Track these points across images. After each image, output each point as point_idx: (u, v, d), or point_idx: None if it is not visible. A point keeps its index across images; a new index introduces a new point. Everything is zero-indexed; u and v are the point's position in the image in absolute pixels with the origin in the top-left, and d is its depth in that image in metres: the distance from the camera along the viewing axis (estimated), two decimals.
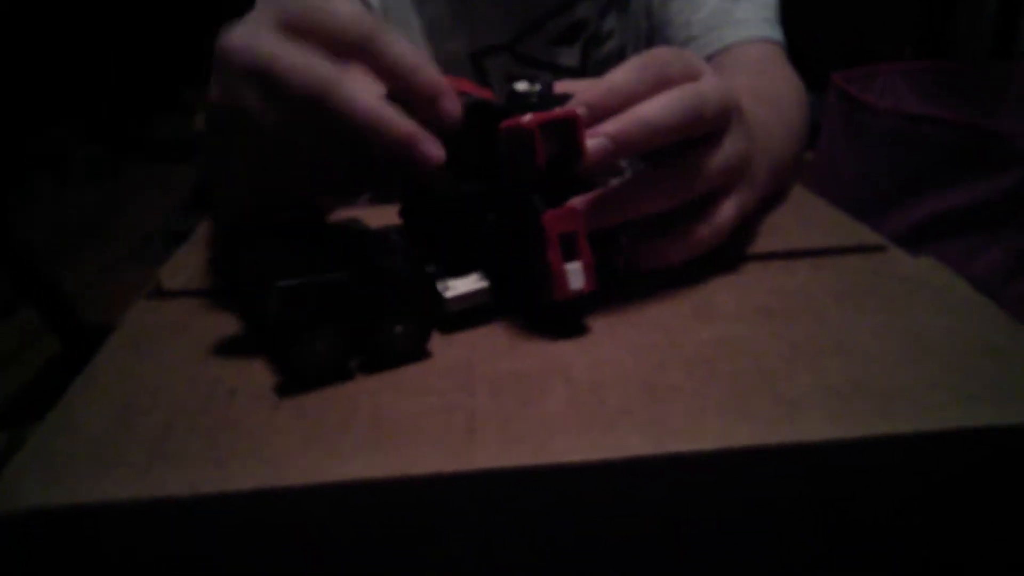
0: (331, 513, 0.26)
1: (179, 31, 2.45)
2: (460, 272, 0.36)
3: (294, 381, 0.31)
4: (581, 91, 0.35)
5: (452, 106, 0.33)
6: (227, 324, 0.37)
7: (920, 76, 1.20)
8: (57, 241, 2.22)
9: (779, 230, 0.45)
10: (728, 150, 0.38)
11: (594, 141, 0.34)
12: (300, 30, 0.33)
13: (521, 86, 0.36)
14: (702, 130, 0.37)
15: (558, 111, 0.34)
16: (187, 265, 0.44)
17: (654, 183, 0.37)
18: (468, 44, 0.74)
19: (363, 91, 0.32)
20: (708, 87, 0.37)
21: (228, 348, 0.35)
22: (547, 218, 0.33)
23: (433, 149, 0.32)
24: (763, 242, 0.43)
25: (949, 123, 0.94)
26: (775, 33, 0.70)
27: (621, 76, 0.36)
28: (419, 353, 0.33)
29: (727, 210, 0.39)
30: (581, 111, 0.34)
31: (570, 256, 0.33)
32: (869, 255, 0.41)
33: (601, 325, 0.35)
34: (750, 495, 0.27)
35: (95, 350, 0.36)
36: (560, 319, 0.35)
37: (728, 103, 0.38)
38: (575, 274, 0.33)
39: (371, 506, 0.26)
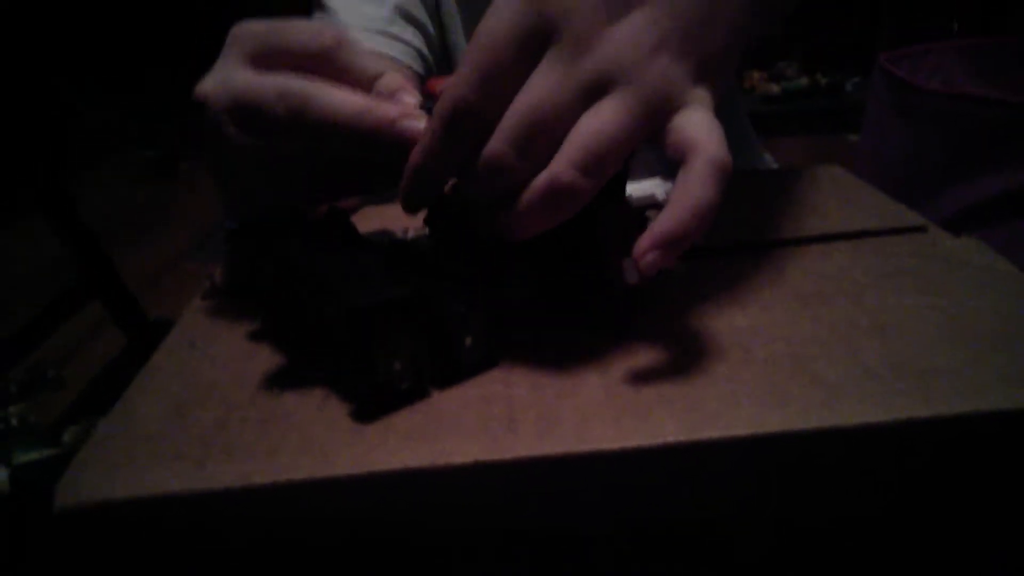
0: (378, 502, 0.27)
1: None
2: (496, 278, 0.35)
3: (377, 402, 0.30)
4: None
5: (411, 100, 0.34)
6: (275, 324, 0.38)
7: (971, 54, 1.17)
8: (116, 237, 2.29)
9: (818, 213, 0.44)
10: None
11: None
12: (265, 58, 0.34)
13: None
14: None
15: None
16: (239, 265, 0.45)
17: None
18: None
19: (339, 91, 0.32)
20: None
21: (277, 344, 0.36)
22: (604, 214, 0.33)
23: (420, 123, 0.32)
24: (801, 226, 0.43)
25: (1001, 102, 0.91)
26: None
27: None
28: (492, 361, 0.33)
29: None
30: None
31: (626, 249, 0.34)
32: (909, 236, 0.41)
33: (635, 321, 0.35)
34: (786, 481, 0.28)
35: (157, 344, 0.37)
36: (614, 311, 0.35)
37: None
38: (630, 268, 0.33)
39: (416, 494, 0.27)
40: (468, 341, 0.32)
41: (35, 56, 2.62)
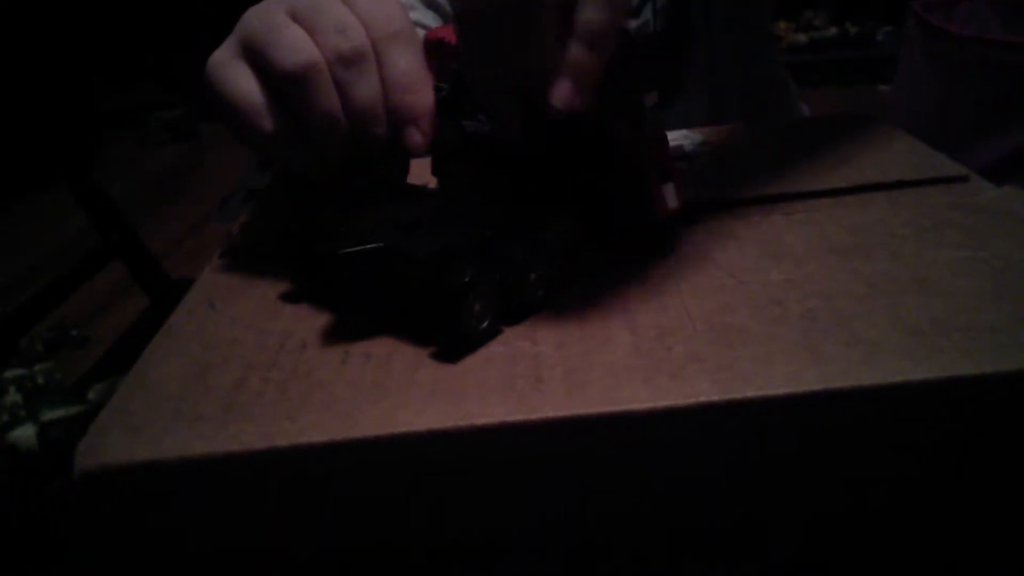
0: (402, 463, 0.27)
1: None
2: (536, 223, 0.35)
3: (461, 343, 0.31)
4: None
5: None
6: (295, 280, 0.38)
7: (1006, 2, 1.13)
8: (139, 200, 2.30)
9: (853, 163, 0.43)
10: None
11: None
12: (259, 65, 0.35)
13: None
14: None
15: None
16: (257, 223, 0.45)
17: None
18: None
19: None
20: None
21: (297, 302, 0.35)
22: (641, 143, 0.33)
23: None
24: (836, 176, 0.41)
25: None
26: None
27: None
28: (552, 300, 0.33)
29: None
30: None
31: (663, 176, 0.34)
32: (950, 186, 0.39)
33: (664, 268, 0.34)
34: (823, 443, 0.27)
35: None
36: (654, 241, 0.36)
37: None
38: (670, 194, 0.35)
39: (440, 455, 0.26)
40: (533, 277, 0.32)
41: (55, 31, 2.61)
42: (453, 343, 0.31)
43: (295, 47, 0.34)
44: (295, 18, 0.35)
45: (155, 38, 2.94)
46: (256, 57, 0.35)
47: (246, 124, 0.35)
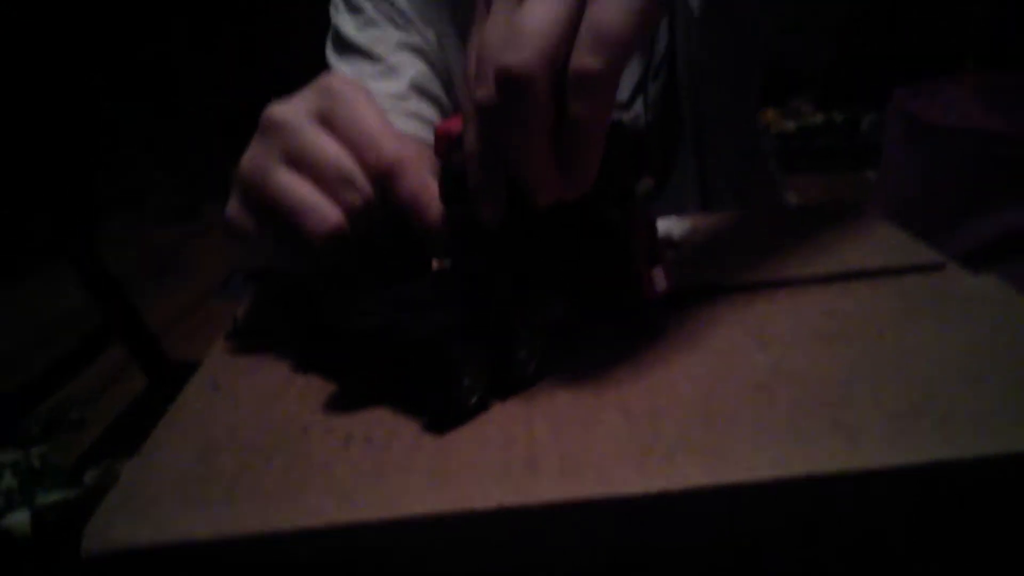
0: (401, 546, 0.27)
1: (253, 75, 2.55)
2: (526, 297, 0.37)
3: (450, 418, 0.32)
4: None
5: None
6: (298, 362, 0.39)
7: (984, 89, 1.18)
8: (139, 280, 2.32)
9: (836, 251, 0.44)
10: None
11: None
12: (295, 161, 0.37)
13: None
14: None
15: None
16: (262, 305, 0.46)
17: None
18: None
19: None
20: None
21: (301, 386, 0.37)
22: (632, 226, 0.35)
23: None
24: (819, 264, 0.43)
25: (1017, 138, 0.92)
26: None
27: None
28: (541, 375, 0.34)
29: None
30: None
31: (653, 260, 0.36)
32: (928, 274, 0.41)
33: (655, 351, 0.36)
34: (810, 523, 0.28)
35: (179, 385, 0.38)
36: (644, 321, 0.37)
37: None
38: (659, 277, 0.36)
39: (438, 539, 0.27)
40: (523, 354, 0.34)
41: (61, 107, 2.67)
42: (443, 417, 0.32)
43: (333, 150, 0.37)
44: (288, 162, 0.37)
45: (157, 119, 3.01)
46: (297, 162, 0.37)
47: (304, 220, 0.36)
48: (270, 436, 0.32)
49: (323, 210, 0.36)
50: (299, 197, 0.36)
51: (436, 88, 0.74)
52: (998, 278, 0.39)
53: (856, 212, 0.51)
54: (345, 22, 0.73)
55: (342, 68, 0.72)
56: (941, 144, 1.00)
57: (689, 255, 0.47)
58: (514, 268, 0.37)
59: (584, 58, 0.29)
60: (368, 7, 0.73)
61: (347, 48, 0.72)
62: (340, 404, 0.34)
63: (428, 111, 0.71)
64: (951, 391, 0.30)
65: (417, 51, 0.73)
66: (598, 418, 0.31)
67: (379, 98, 0.69)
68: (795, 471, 0.27)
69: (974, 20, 2.01)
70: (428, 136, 0.68)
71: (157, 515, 0.28)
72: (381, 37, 0.72)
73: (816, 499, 0.27)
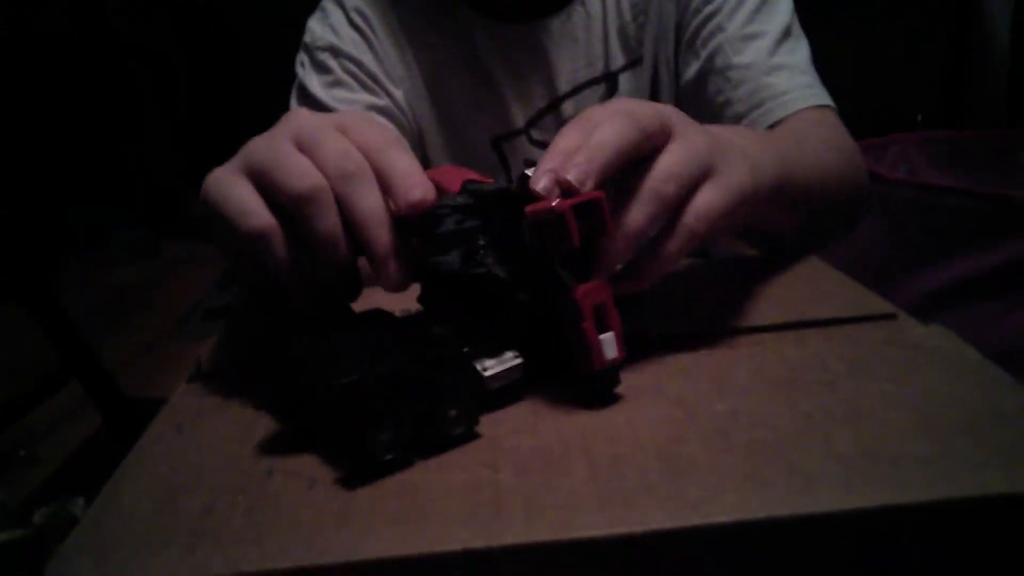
0: None
1: (212, 111, 2.55)
2: (491, 351, 0.37)
3: (364, 472, 0.32)
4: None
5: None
6: (264, 404, 0.39)
7: (933, 146, 1.22)
8: (98, 318, 2.27)
9: (792, 301, 0.46)
10: (678, 148, 0.38)
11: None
12: (265, 187, 0.37)
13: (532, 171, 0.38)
14: (647, 145, 0.38)
15: (585, 193, 0.35)
16: (226, 347, 0.46)
17: (632, 216, 0.37)
18: (487, 129, 0.77)
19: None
20: (637, 106, 0.39)
21: (265, 428, 0.37)
22: (580, 293, 0.34)
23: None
24: (776, 313, 0.44)
25: (964, 192, 0.95)
26: (819, 98, 0.68)
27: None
28: (472, 434, 0.34)
29: (700, 202, 0.38)
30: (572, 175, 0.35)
31: (602, 327, 0.35)
32: (880, 323, 0.42)
33: (618, 398, 0.36)
34: (767, 565, 0.28)
35: (135, 424, 0.38)
36: (595, 388, 0.37)
37: (662, 112, 0.39)
38: (609, 344, 0.35)
39: None
40: (453, 413, 0.33)
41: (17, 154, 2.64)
42: (357, 470, 0.32)
43: (304, 172, 0.36)
44: (299, 147, 0.37)
45: (115, 159, 2.98)
46: (264, 180, 0.37)
47: (252, 237, 0.36)
48: (234, 479, 0.32)
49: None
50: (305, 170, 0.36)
51: (406, 123, 0.75)
52: (946, 328, 0.41)
53: (810, 263, 0.53)
54: (311, 80, 0.73)
55: None
56: (891, 197, 1.03)
57: (652, 304, 0.48)
58: (467, 322, 0.37)
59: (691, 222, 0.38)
60: (336, 67, 0.73)
61: (314, 105, 0.72)
62: (305, 447, 0.34)
63: (393, 130, 0.72)
64: (901, 437, 0.31)
65: (386, 113, 0.74)
66: (562, 463, 0.31)
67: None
68: (753, 515, 0.27)
69: (924, 79, 2.09)
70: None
71: (119, 558, 0.28)
72: (349, 99, 0.72)
73: (773, 541, 0.28)
